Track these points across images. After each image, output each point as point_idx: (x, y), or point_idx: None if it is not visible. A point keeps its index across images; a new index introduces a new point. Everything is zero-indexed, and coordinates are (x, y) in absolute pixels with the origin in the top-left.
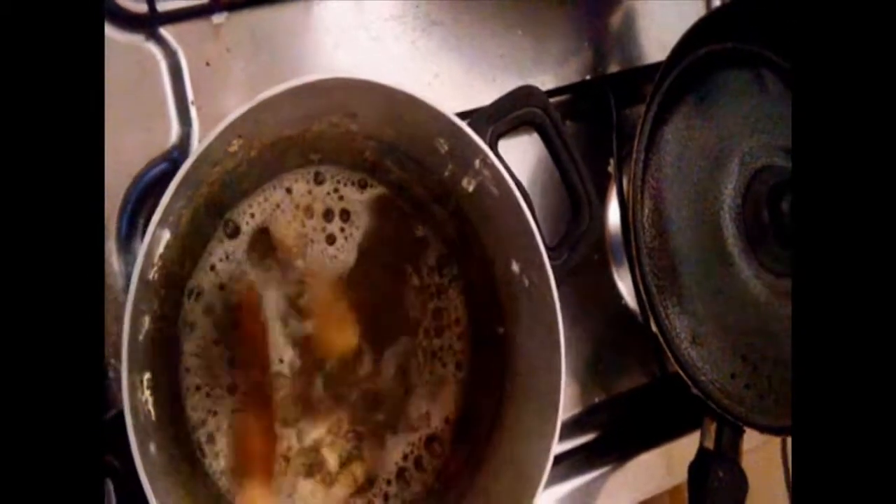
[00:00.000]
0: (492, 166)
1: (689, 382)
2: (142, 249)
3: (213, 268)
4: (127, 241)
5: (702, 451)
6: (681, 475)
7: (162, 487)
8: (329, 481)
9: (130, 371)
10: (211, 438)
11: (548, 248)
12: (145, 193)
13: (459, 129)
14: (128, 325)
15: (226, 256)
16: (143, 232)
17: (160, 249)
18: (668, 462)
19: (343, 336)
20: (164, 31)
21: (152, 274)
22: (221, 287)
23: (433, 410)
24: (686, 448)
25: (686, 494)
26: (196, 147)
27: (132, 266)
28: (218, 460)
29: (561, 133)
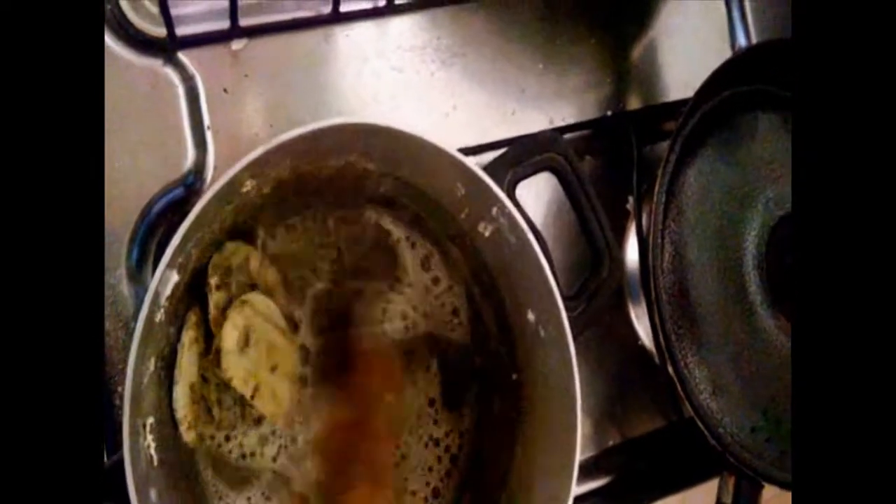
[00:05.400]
0: (509, 216)
1: (708, 434)
2: (149, 292)
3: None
4: (138, 266)
5: None
6: None
7: None
8: None
9: (132, 416)
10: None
11: (565, 299)
12: (158, 219)
13: (477, 177)
14: (131, 370)
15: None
16: (155, 257)
17: (167, 291)
18: None
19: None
20: (183, 56)
21: (159, 316)
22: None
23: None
24: (700, 498)
25: None
26: (206, 191)
27: (141, 291)
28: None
29: (582, 181)
